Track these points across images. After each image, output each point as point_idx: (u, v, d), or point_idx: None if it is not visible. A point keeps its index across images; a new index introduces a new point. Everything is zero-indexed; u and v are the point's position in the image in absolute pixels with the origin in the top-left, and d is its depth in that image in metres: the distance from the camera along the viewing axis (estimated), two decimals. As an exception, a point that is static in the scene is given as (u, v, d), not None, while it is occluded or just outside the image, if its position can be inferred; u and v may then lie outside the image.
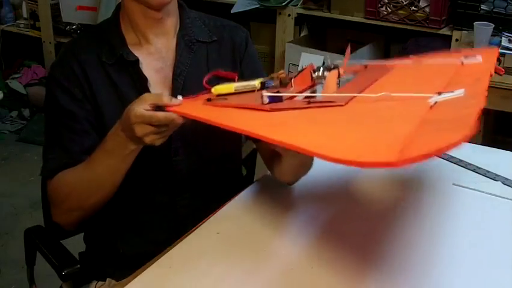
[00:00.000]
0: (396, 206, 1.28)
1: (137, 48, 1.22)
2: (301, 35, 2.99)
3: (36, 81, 3.53)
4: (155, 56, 1.23)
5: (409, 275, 1.07)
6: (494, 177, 1.40)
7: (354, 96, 0.91)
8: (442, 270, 1.07)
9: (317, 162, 1.36)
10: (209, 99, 1.02)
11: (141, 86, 1.20)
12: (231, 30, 1.33)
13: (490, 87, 0.96)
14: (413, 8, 2.56)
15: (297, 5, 2.90)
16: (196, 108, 1.00)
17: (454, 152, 1.50)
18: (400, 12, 2.60)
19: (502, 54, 2.27)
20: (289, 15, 2.89)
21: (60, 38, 3.41)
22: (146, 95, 1.03)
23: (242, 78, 1.32)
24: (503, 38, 2.38)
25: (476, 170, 1.43)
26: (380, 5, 2.62)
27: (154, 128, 1.01)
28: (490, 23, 2.38)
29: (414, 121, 0.77)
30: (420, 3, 2.55)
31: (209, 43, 1.28)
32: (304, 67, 1.11)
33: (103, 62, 1.20)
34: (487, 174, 1.42)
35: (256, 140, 1.38)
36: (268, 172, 1.40)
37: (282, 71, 1.10)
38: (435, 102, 0.85)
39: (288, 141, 0.75)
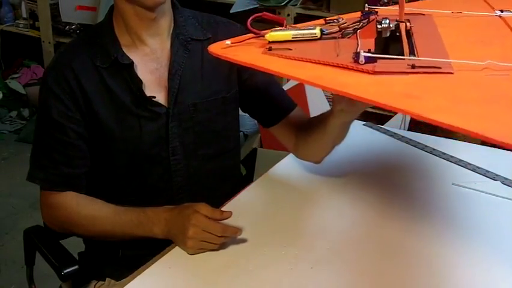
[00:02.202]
0: (396, 206, 1.28)
1: (132, 50, 1.21)
2: (301, 34, 2.99)
3: (36, 81, 3.53)
4: (150, 56, 1.23)
5: (408, 273, 1.07)
6: (494, 177, 1.40)
7: (450, 62, 0.81)
8: (441, 269, 1.08)
9: (317, 164, 1.37)
10: (270, 49, 0.91)
11: (136, 88, 1.20)
12: (225, 26, 1.32)
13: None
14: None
15: (296, 4, 2.90)
16: (260, 59, 0.90)
17: (453, 152, 1.51)
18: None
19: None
20: (288, 15, 2.88)
21: (59, 38, 3.40)
22: (203, 205, 1.13)
23: (240, 75, 1.32)
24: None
25: (475, 169, 1.43)
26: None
27: (205, 235, 1.09)
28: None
29: None
30: (420, 3, 2.54)
31: (204, 41, 1.28)
32: (362, 17, 1.00)
33: (97, 67, 1.20)
34: (486, 174, 1.42)
35: (269, 125, 1.38)
36: (267, 172, 1.40)
37: (344, 20, 1.00)
38: None
39: (456, 124, 0.64)
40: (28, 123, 3.44)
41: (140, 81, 1.20)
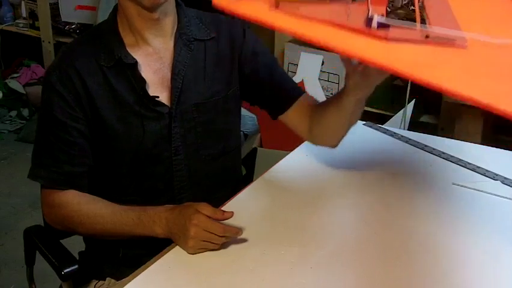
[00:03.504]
0: (395, 206, 1.28)
1: (135, 50, 1.21)
2: (301, 34, 2.99)
3: (36, 81, 3.53)
4: (154, 56, 1.23)
5: (408, 274, 1.07)
6: (494, 176, 1.40)
7: (463, 37, 0.78)
8: (441, 269, 1.08)
9: (317, 164, 1.37)
10: (277, 5, 0.87)
11: (139, 88, 1.20)
12: (228, 23, 1.32)
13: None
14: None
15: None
16: (266, 14, 0.86)
17: (453, 152, 1.51)
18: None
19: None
20: None
21: (59, 37, 3.40)
22: (204, 205, 1.11)
23: (242, 70, 1.32)
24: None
25: (475, 169, 1.43)
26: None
27: (206, 235, 1.09)
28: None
29: None
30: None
31: (207, 40, 1.28)
32: None
33: (101, 66, 1.20)
34: (486, 173, 1.42)
35: (280, 113, 1.34)
36: (267, 172, 1.40)
37: None
38: None
39: (469, 94, 0.64)
40: (28, 123, 3.43)
41: (143, 81, 1.20)
